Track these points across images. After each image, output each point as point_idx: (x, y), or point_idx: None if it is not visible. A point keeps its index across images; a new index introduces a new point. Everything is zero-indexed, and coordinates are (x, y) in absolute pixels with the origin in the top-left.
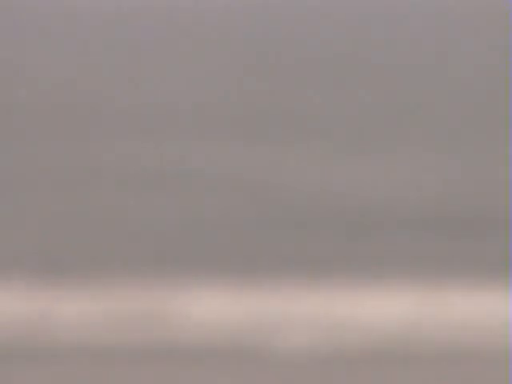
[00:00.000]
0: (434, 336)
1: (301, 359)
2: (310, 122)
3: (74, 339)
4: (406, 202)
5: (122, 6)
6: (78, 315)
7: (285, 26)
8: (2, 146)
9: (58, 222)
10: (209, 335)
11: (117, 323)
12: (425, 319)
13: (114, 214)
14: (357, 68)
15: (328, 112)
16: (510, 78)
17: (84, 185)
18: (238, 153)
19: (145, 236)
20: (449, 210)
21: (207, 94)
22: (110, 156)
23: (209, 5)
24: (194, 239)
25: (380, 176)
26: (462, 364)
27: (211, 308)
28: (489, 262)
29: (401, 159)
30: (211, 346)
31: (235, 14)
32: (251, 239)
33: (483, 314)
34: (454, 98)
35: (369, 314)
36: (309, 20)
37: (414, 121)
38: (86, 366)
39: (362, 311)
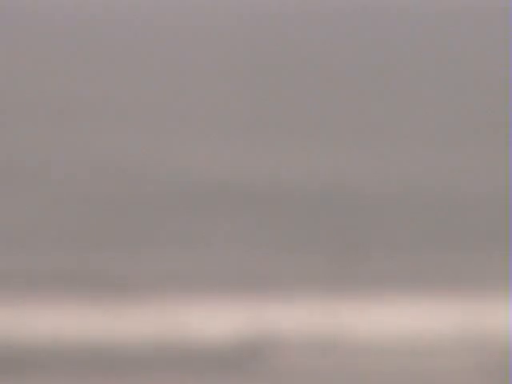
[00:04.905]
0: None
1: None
2: (310, 120)
3: None
4: (404, 203)
5: (112, 7)
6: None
7: (285, 25)
8: None
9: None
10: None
11: None
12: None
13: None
14: (357, 68)
15: (327, 110)
16: (510, 77)
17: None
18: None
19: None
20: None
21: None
22: (106, 152)
23: (209, 5)
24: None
25: (378, 176)
26: (463, 379)
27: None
28: (490, 273)
29: (401, 159)
30: None
31: (235, 13)
32: (246, 246)
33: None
34: (454, 97)
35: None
36: (309, 20)
37: (414, 120)
38: None
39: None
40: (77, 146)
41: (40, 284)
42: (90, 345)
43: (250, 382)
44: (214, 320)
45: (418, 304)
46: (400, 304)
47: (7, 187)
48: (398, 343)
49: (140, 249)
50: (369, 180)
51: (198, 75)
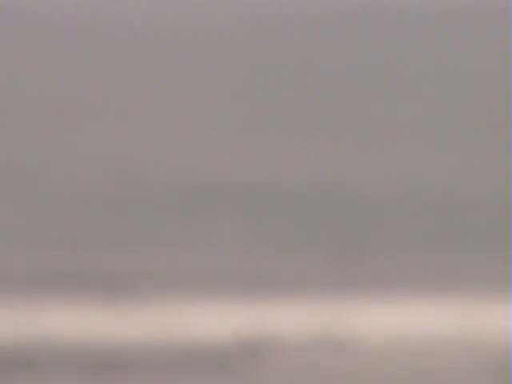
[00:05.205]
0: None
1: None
2: (310, 120)
3: None
4: (404, 203)
5: (112, 7)
6: None
7: (285, 25)
8: None
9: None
10: None
11: None
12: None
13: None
14: (357, 68)
15: (327, 110)
16: (510, 77)
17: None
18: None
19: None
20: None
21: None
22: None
23: (209, 5)
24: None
25: (378, 176)
26: (463, 379)
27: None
28: (490, 273)
29: (401, 159)
30: None
31: (235, 13)
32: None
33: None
34: (454, 97)
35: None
36: (309, 20)
37: (414, 120)
38: None
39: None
40: (77, 146)
41: (40, 284)
42: (90, 345)
43: (250, 382)
44: (213, 320)
45: (418, 304)
46: (400, 304)
47: (7, 187)
48: (398, 343)
49: (140, 249)
50: (369, 180)
51: (198, 75)
